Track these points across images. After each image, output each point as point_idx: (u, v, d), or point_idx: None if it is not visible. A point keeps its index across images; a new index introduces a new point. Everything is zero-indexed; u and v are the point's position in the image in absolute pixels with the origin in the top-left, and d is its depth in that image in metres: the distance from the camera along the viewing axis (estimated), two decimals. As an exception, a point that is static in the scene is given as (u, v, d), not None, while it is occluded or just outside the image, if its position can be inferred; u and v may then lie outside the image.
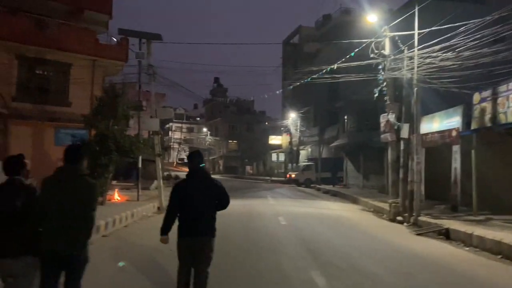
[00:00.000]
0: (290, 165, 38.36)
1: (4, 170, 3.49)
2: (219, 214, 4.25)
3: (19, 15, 15.45)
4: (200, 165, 4.27)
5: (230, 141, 60.84)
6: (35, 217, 3.36)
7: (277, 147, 45.84)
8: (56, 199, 3.37)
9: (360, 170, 27.71)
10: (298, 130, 36.50)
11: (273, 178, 39.84)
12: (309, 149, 38.68)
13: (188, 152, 8.79)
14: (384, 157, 24.00)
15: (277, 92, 38.20)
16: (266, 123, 62.79)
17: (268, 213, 13.29)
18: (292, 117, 37.40)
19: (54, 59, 16.19)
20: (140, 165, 14.86)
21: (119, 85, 13.55)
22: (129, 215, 11.17)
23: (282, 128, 41.21)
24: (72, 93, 16.82)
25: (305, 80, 18.68)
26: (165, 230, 4.11)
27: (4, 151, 14.11)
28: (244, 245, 8.04)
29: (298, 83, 38.75)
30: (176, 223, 4.10)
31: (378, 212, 14.89)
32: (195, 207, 4.06)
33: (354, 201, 19.03)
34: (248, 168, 54.62)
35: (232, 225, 9.88)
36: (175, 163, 65.84)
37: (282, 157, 43.97)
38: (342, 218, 13.01)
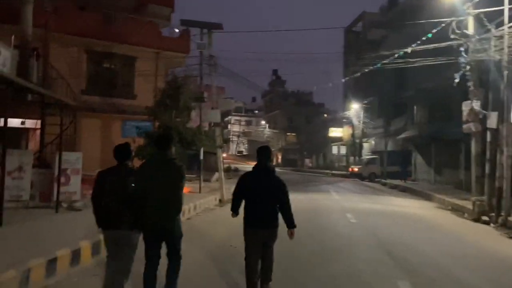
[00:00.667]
0: (352, 158, 36.77)
1: (115, 156, 4.10)
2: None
3: (88, 11, 15.95)
4: (268, 161, 4.43)
5: (288, 133, 60.11)
6: (140, 196, 3.90)
7: (338, 139, 44.27)
8: (152, 181, 3.90)
9: (431, 164, 25.65)
10: (361, 121, 34.76)
11: (334, 172, 38.51)
12: (372, 142, 36.77)
13: (258, 147, 8.70)
14: (461, 150, 21.95)
15: (342, 80, 36.50)
16: (325, 115, 61.15)
17: (335, 209, 12.45)
18: (355, 108, 35.73)
19: (121, 53, 16.56)
20: (201, 157, 14.71)
21: (181, 77, 13.40)
22: (192, 208, 10.98)
23: (344, 120, 39.58)
24: (137, 86, 17.15)
25: (375, 66, 17.31)
26: (234, 209, 4.51)
27: (74, 143, 14.67)
28: (313, 247, 7.29)
29: (360, 73, 36.98)
30: (242, 214, 4.37)
31: (457, 210, 13.43)
32: (259, 200, 4.27)
33: (427, 197, 17.49)
34: (307, 161, 53.53)
35: (297, 222, 9.08)
36: (234, 156, 66.55)
37: (343, 150, 42.34)
38: (418, 217, 11.81)
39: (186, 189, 13.87)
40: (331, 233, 8.71)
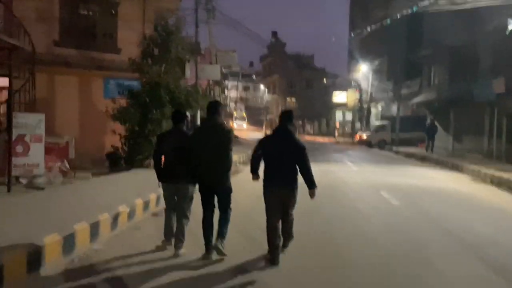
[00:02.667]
0: (359, 124, 34.46)
1: (173, 120, 4.88)
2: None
3: None
4: (289, 124, 4.58)
5: (288, 98, 57.49)
6: (193, 155, 4.48)
7: (342, 104, 41.82)
8: (204, 143, 4.44)
9: (450, 130, 23.44)
10: (370, 85, 32.20)
11: (338, 139, 36.38)
12: (379, 108, 34.41)
13: (282, 110, 7.13)
14: (486, 115, 19.73)
15: (347, 39, 33.69)
16: (325, 80, 58.36)
17: (363, 186, 10.26)
18: (363, 70, 33.06)
19: (99, -4, 13.78)
20: (199, 122, 12.40)
21: (172, 21, 10.74)
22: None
23: (352, 83, 36.91)
24: (121, 38, 14.40)
25: (411, 8, 14.66)
26: (254, 170, 4.69)
27: (48, 103, 12.25)
28: (369, 258, 4.85)
29: (369, 29, 34.04)
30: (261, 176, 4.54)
31: (501, 184, 11.34)
32: (278, 160, 4.43)
33: (454, 168, 15.39)
34: (308, 127, 51.29)
35: (320, 206, 6.78)
36: (231, 122, 64.14)
37: (348, 116, 39.99)
38: (469, 196, 9.64)
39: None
40: (379, 223, 6.51)
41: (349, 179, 11.36)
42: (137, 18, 14.28)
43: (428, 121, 23.38)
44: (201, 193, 4.54)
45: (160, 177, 4.66)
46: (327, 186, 9.78)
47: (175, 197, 4.63)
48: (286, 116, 4.64)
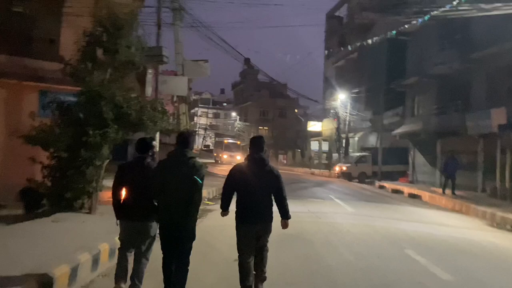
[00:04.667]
0: (337, 155, 32.49)
1: (137, 149, 4.35)
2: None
3: None
4: (262, 151, 4.26)
5: (260, 127, 55.49)
6: (155, 191, 4.04)
7: (317, 134, 40.02)
8: (170, 179, 3.96)
9: (436, 164, 21.76)
10: (348, 114, 30.54)
11: (314, 170, 34.22)
12: (356, 138, 32.74)
13: (252, 136, 5.54)
14: (479, 148, 18.14)
15: (322, 67, 32.25)
16: (296, 111, 57.08)
17: (375, 239, 7.71)
18: (340, 99, 31.47)
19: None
20: (157, 147, 9.68)
21: (124, 16, 8.11)
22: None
23: (330, 112, 35.18)
24: (65, 43, 11.67)
25: (422, 18, 13.02)
26: (224, 207, 4.32)
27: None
28: None
29: (345, 59, 32.74)
30: (233, 209, 4.22)
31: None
32: (253, 193, 4.12)
33: (457, 209, 13.33)
34: (281, 157, 49.11)
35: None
36: (199, 150, 61.23)
37: (324, 146, 38.09)
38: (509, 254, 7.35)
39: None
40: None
41: (352, 227, 8.82)
42: (87, 20, 11.66)
43: (444, 158, 18.47)
44: (161, 238, 4.12)
45: (119, 215, 4.27)
46: (333, 242, 7.25)
47: (135, 236, 4.22)
48: (258, 142, 4.33)
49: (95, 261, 5.13)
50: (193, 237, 4.07)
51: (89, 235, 5.81)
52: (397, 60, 25.86)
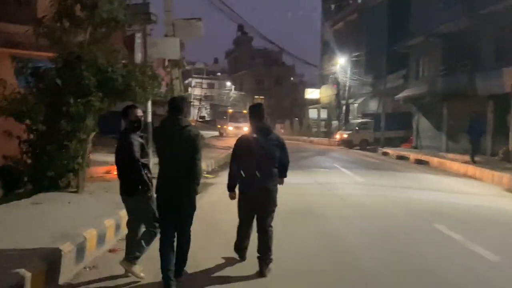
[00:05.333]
0: (337, 122, 31.64)
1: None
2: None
3: None
4: (262, 119, 4.15)
5: (256, 96, 54.21)
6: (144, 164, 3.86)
7: (315, 102, 38.98)
8: (164, 150, 3.78)
9: (442, 128, 21.01)
10: (348, 79, 29.42)
11: (312, 139, 33.45)
12: (355, 105, 31.76)
13: (250, 105, 4.94)
14: (489, 111, 17.30)
15: (320, 29, 30.92)
16: (292, 78, 55.71)
17: (396, 213, 6.91)
18: (340, 63, 30.25)
19: None
20: (150, 118, 8.74)
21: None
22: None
23: (331, 76, 34.01)
24: (40, 3, 10.46)
25: None
26: (231, 186, 4.20)
27: None
28: None
29: (343, 22, 31.16)
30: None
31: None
32: (256, 162, 4.02)
33: (470, 174, 12.66)
34: (278, 126, 48.17)
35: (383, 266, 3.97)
36: (195, 121, 60.17)
37: (323, 114, 37.16)
38: None
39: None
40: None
41: (367, 199, 8.05)
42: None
43: (470, 117, 15.26)
44: (158, 211, 3.82)
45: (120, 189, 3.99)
46: (349, 217, 6.49)
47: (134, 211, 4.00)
48: (257, 111, 4.16)
49: (80, 251, 4.33)
50: (194, 207, 3.81)
51: (74, 220, 4.99)
52: (400, 20, 24.53)
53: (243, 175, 4.06)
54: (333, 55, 32.98)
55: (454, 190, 9.82)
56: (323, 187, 9.34)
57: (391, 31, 25.79)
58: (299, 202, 7.40)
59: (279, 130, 47.28)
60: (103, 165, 8.79)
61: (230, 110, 37.31)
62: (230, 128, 32.83)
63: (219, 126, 37.23)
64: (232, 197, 4.23)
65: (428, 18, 20.55)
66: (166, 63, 9.56)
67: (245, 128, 30.67)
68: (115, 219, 5.23)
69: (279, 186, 4.18)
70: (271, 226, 4.11)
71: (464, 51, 18.25)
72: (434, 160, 16.16)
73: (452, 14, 18.17)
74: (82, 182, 6.74)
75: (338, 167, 13.75)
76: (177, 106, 3.75)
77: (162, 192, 3.78)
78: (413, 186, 10.02)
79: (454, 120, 20.00)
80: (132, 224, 4.12)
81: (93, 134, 6.80)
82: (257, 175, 3.99)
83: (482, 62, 17.17)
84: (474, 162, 13.68)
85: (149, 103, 8.54)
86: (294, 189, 8.28)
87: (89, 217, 5.17)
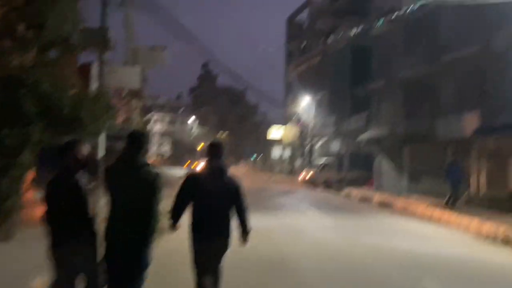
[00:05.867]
0: (301, 161, 31.51)
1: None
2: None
3: None
4: (220, 159, 3.80)
5: (219, 133, 53.78)
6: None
7: (278, 140, 38.96)
8: (116, 193, 3.23)
9: (404, 170, 21.21)
10: (312, 119, 29.68)
11: (276, 177, 33.02)
12: (318, 144, 32.00)
13: (210, 143, 4.45)
14: (450, 154, 17.65)
15: (283, 71, 31.35)
16: (255, 117, 56.07)
17: (375, 265, 6.30)
18: (304, 104, 30.59)
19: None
20: (101, 152, 7.80)
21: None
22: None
23: (295, 115, 34.21)
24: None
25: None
26: (175, 217, 3.71)
27: None
28: None
29: (307, 65, 31.85)
30: (187, 222, 3.70)
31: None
32: (210, 206, 3.67)
33: (435, 218, 12.48)
34: (241, 164, 47.60)
35: None
36: (154, 158, 58.36)
37: (286, 153, 37.06)
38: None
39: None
40: None
41: (342, 247, 7.43)
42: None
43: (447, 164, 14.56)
44: (104, 266, 3.24)
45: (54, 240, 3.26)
46: (327, 270, 5.79)
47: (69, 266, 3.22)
48: (216, 150, 3.83)
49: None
50: (146, 264, 3.30)
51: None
52: (362, 64, 25.35)
53: (196, 221, 3.70)
54: (297, 95, 33.43)
55: (426, 236, 9.46)
56: (294, 232, 8.66)
57: (354, 74, 26.52)
58: (271, 250, 6.68)
59: (242, 168, 46.71)
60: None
61: (202, 144, 35.45)
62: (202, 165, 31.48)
63: (188, 162, 34.98)
64: (173, 227, 3.75)
65: (390, 62, 21.29)
66: (124, 93, 8.78)
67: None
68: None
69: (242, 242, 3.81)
70: (221, 268, 3.78)
71: (425, 95, 18.82)
72: (398, 203, 15.99)
73: (413, 59, 18.87)
74: (13, 228, 5.66)
75: (305, 209, 13.19)
76: (137, 141, 3.27)
77: (110, 243, 3.23)
78: (384, 232, 9.58)
79: (415, 162, 20.30)
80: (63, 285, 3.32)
81: (25, 173, 5.80)
82: (209, 220, 3.65)
83: (442, 107, 17.69)
84: (452, 206, 12.89)
85: (102, 137, 7.65)
86: (263, 234, 7.56)
87: (14, 276, 4.16)
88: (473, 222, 10.67)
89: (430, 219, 12.74)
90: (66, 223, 3.18)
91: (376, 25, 22.05)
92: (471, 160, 14.98)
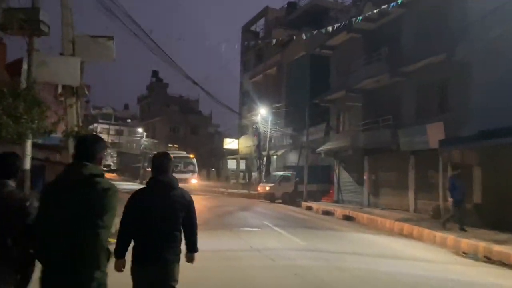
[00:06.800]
0: (257, 174, 30.46)
1: None
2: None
3: None
4: (167, 172, 3.31)
5: (170, 145, 51.51)
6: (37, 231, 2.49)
7: (233, 152, 37.78)
8: (55, 212, 2.38)
9: (364, 182, 20.83)
10: (269, 131, 28.84)
11: (230, 191, 31.68)
12: (275, 156, 31.25)
13: (154, 153, 3.56)
14: (411, 167, 17.43)
15: (239, 82, 30.51)
16: (209, 128, 54.63)
17: None
18: (261, 115, 29.72)
19: None
20: (28, 165, 6.13)
21: None
22: None
23: (253, 126, 33.18)
24: None
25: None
26: (120, 252, 3.14)
27: None
28: None
29: (262, 75, 31.33)
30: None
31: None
32: (156, 225, 3.17)
33: (406, 233, 11.88)
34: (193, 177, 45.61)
35: None
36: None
37: (242, 165, 35.89)
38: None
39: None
40: None
41: (321, 274, 6.32)
42: None
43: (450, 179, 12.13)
44: None
45: None
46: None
47: None
48: (162, 162, 3.32)
49: None
50: None
51: None
52: (320, 75, 25.00)
53: (139, 244, 3.16)
54: (253, 106, 32.54)
55: (404, 256, 8.63)
56: (264, 256, 7.42)
57: (312, 84, 26.06)
58: (239, 281, 5.42)
59: (193, 181, 44.71)
60: None
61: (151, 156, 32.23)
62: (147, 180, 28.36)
63: (144, 176, 31.96)
64: (118, 267, 3.14)
65: (350, 73, 20.96)
66: (60, 90, 7.17)
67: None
68: None
69: (190, 262, 3.38)
70: None
71: (386, 106, 18.56)
72: (363, 217, 15.34)
73: (373, 70, 18.59)
74: None
75: (269, 226, 12.00)
76: (85, 147, 2.53)
77: (46, 278, 2.42)
78: (360, 251, 8.63)
79: (376, 174, 19.99)
80: None
81: None
82: (153, 242, 3.14)
83: (403, 118, 17.47)
84: (463, 230, 10.86)
85: (29, 143, 5.99)
86: (227, 259, 6.31)
87: None
88: (448, 238, 10.10)
89: (400, 234, 12.13)
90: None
91: (335, 35, 21.72)
92: (439, 171, 14.70)
